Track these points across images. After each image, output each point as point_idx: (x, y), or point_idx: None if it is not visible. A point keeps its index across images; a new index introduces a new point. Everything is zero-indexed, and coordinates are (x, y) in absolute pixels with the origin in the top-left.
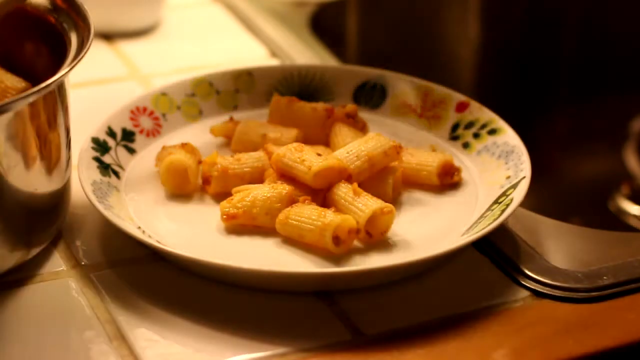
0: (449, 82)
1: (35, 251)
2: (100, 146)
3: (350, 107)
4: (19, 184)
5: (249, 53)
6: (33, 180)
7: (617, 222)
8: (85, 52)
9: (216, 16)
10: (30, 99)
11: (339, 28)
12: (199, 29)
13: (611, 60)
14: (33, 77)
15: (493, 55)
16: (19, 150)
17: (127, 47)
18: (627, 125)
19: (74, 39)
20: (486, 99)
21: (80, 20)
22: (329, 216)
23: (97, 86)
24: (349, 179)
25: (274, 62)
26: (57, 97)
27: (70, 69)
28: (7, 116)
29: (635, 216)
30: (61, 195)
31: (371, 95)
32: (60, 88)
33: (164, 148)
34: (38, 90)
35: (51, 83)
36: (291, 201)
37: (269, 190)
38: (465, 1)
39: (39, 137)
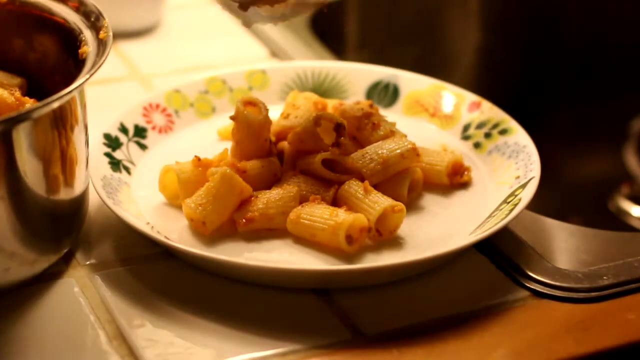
0: (448, 82)
1: (62, 253)
2: (112, 142)
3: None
4: (45, 190)
5: (249, 53)
6: (58, 185)
7: (617, 222)
8: (107, 54)
9: (216, 16)
10: (55, 104)
11: (339, 28)
12: (199, 29)
13: (611, 61)
14: (24, 71)
15: (493, 55)
16: (44, 155)
17: (127, 47)
18: (627, 125)
19: (90, 38)
20: (486, 99)
21: (95, 20)
22: (342, 215)
23: (97, 86)
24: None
25: (273, 62)
26: (78, 99)
27: (95, 70)
28: (30, 122)
29: (635, 216)
30: (84, 194)
31: (384, 94)
32: (81, 91)
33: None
34: (66, 93)
35: (75, 88)
36: (302, 199)
37: (279, 192)
38: (466, 1)
39: (62, 141)
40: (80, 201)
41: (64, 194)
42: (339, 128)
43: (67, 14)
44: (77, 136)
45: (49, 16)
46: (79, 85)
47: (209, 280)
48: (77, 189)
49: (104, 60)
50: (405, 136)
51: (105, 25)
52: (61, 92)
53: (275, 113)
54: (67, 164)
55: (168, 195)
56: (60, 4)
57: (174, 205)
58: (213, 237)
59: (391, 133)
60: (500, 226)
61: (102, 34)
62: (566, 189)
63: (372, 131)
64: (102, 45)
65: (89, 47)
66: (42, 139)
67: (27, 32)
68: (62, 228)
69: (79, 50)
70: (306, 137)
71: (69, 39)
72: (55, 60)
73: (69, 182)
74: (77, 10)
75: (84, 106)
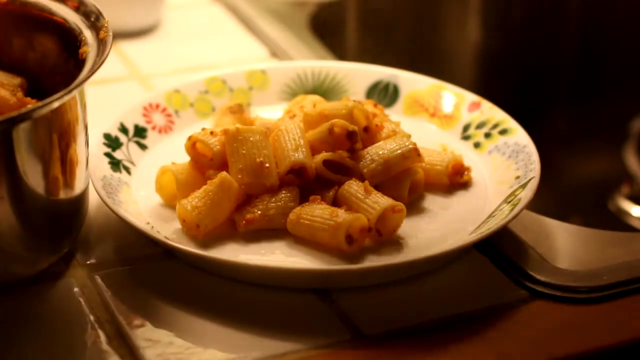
0: (448, 82)
1: (62, 253)
2: (112, 142)
3: (353, 127)
4: (44, 190)
5: (249, 53)
6: (58, 185)
7: (617, 222)
8: (107, 54)
9: (216, 16)
10: (55, 104)
11: (339, 28)
12: (199, 29)
13: (611, 60)
14: (24, 71)
15: (493, 55)
16: (44, 155)
17: (127, 47)
18: (627, 125)
19: (90, 38)
20: (486, 99)
21: (95, 20)
22: (342, 215)
23: (96, 86)
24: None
25: (273, 62)
26: (78, 99)
27: (95, 70)
28: (30, 122)
29: (635, 216)
30: (84, 194)
31: (384, 94)
32: (81, 91)
33: (172, 164)
34: (65, 93)
35: (75, 88)
36: (302, 199)
37: (279, 192)
38: (466, 1)
39: (62, 141)
40: (80, 201)
41: (63, 194)
42: (351, 135)
43: (67, 14)
44: (77, 136)
45: (49, 16)
46: (79, 85)
47: (209, 280)
48: (77, 189)
49: (104, 60)
50: (409, 136)
51: (105, 25)
52: (61, 92)
53: (275, 113)
54: (67, 164)
55: (165, 196)
56: (60, 4)
57: (172, 206)
58: (213, 237)
59: (392, 132)
60: (500, 226)
61: (102, 34)
62: (566, 189)
63: (375, 133)
64: (102, 45)
65: (89, 47)
66: (42, 139)
67: (27, 32)
68: (62, 228)
69: (79, 50)
70: (321, 146)
71: (69, 39)
72: (55, 60)
73: (69, 182)
74: (77, 10)
75: (84, 106)
